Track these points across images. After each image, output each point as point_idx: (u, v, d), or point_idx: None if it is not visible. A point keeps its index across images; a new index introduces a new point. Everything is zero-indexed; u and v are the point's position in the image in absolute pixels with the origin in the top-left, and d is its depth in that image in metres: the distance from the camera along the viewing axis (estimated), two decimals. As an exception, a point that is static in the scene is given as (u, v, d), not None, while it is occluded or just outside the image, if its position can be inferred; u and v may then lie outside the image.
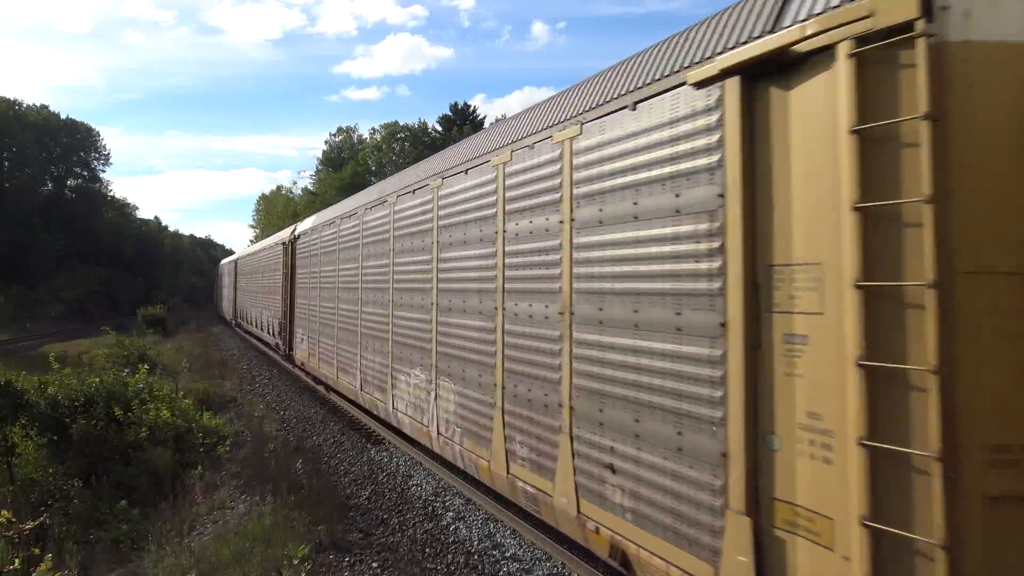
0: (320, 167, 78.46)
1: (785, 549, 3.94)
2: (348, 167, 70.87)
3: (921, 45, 3.34)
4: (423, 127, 73.13)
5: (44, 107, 73.88)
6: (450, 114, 71.04)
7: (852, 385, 3.52)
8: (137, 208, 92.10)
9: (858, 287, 3.51)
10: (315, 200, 66.15)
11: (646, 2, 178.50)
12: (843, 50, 3.63)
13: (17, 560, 6.75)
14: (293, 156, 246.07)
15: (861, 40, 3.56)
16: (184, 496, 9.88)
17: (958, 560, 3.16)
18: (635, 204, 5.22)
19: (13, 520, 7.18)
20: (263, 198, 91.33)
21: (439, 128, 71.05)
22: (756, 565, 4.06)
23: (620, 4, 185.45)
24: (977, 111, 3.33)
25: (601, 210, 5.62)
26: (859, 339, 3.49)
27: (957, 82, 3.35)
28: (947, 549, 3.14)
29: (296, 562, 6.99)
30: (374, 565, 7.33)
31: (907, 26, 3.37)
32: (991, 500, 3.20)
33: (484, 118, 70.53)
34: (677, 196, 4.80)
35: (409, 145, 70.59)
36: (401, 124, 73.69)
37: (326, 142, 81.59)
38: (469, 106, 71.77)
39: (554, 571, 7.15)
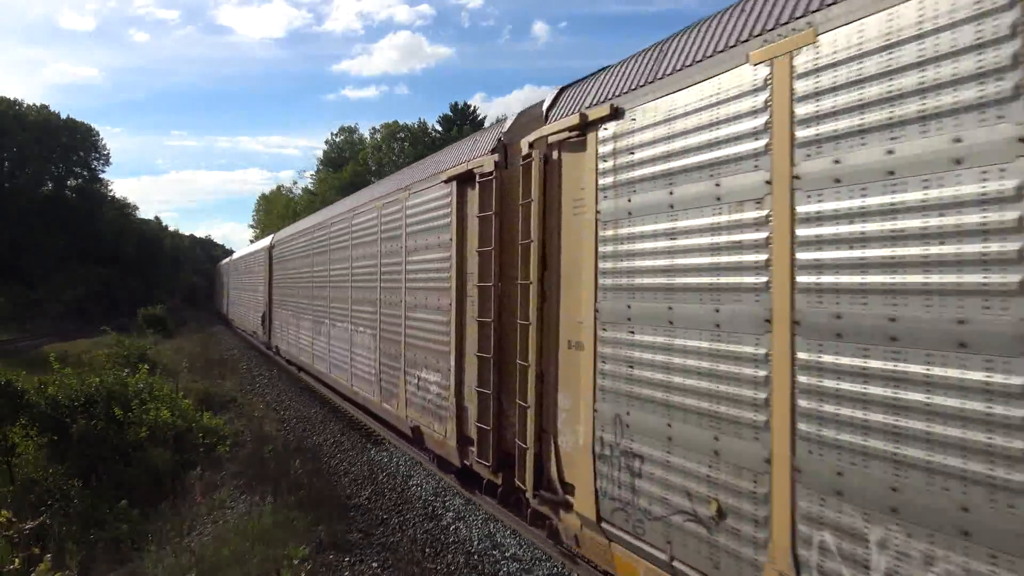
0: (320, 167, 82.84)
1: (468, 408, 9.02)
2: (348, 167, 74.97)
3: (496, 182, 8.40)
4: (423, 127, 77.50)
5: (44, 107, 77.47)
6: (450, 114, 75.56)
7: (473, 329, 8.61)
8: (137, 208, 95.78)
9: (476, 285, 8.59)
10: (315, 200, 69.55)
11: (655, 1, 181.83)
12: (478, 177, 8.71)
13: (17, 560, 7.07)
14: (296, 156, 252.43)
15: (482, 175, 8.63)
16: (184, 496, 10.41)
17: (546, 374, 7.50)
18: (426, 239, 10.37)
19: (13, 520, 7.57)
20: (263, 198, 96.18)
21: (439, 128, 75.40)
22: (456, 418, 9.18)
23: (628, 3, 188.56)
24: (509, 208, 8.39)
25: (415, 241, 10.78)
26: (477, 308, 8.58)
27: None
28: (540, 371, 8.14)
29: (296, 562, 7.42)
30: (374, 565, 7.83)
31: (491, 173, 8.44)
32: (569, 342, 8.14)
33: (484, 118, 74.76)
34: (438, 237, 9.95)
35: (409, 145, 74.40)
36: (401, 124, 78.07)
37: (327, 142, 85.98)
38: (469, 106, 76.47)
39: (554, 571, 7.70)
